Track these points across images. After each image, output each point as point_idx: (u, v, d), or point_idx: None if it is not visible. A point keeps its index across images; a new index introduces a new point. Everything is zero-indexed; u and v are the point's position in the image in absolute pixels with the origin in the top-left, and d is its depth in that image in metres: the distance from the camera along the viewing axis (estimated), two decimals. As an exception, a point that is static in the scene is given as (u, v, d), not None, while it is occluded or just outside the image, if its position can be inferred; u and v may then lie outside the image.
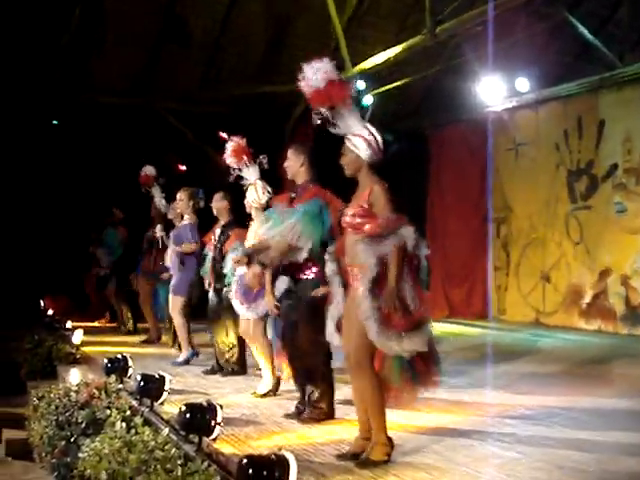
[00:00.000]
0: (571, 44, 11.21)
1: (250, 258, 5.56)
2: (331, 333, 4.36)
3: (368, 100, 11.47)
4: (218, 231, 7.15)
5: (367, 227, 4.02)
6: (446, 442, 4.54)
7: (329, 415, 5.08)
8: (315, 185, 5.20)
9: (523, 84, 10.76)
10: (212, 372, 7.09)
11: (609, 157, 10.10)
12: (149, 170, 9.24)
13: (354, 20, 11.05)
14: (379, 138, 4.20)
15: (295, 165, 5.25)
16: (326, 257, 4.53)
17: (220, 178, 6.76)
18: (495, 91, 10.75)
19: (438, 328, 10.77)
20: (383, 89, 11.53)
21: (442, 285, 12.47)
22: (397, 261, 3.94)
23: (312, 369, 5.09)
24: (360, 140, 4.16)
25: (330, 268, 4.44)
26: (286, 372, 5.64)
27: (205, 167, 12.19)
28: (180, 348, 7.98)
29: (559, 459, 4.16)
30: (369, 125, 4.22)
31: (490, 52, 9.78)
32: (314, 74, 4.25)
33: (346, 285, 4.27)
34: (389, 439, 4.12)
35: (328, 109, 4.22)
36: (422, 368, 4.05)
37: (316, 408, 5.07)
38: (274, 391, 6.03)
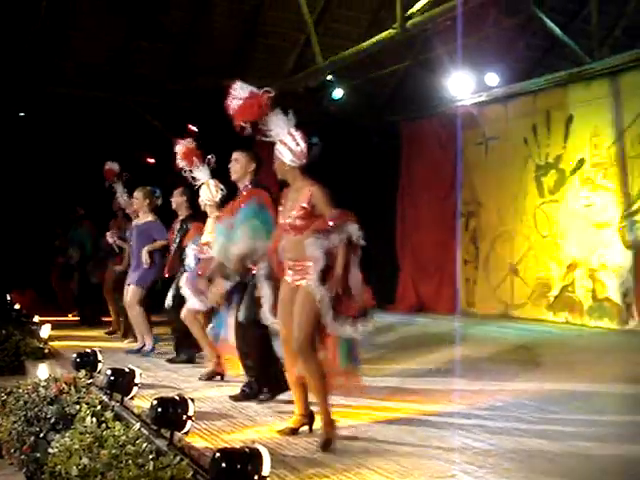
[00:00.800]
0: (540, 39, 11.33)
1: (211, 278, 5.82)
2: (265, 314, 4.70)
3: (338, 93, 11.49)
4: (177, 226, 7.50)
5: (315, 224, 4.25)
6: (417, 433, 4.57)
7: (284, 388, 5.21)
8: (252, 187, 5.45)
9: (492, 79, 10.85)
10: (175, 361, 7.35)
11: (577, 152, 10.22)
12: (112, 165, 9.28)
13: (325, 14, 11.03)
14: (302, 143, 4.42)
15: (244, 169, 5.49)
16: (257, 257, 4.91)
17: (181, 173, 6.80)
18: (465, 85, 10.83)
19: (408, 321, 10.92)
20: (354, 83, 11.53)
21: (412, 279, 12.55)
22: (344, 253, 4.17)
23: (258, 359, 5.45)
24: (283, 147, 4.43)
25: (261, 266, 4.76)
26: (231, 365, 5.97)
27: (174, 160, 12.09)
28: (134, 338, 8.41)
29: (530, 449, 4.21)
30: (294, 131, 4.43)
31: (460, 47, 9.84)
32: (231, 96, 4.66)
33: (275, 279, 4.60)
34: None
35: (255, 121, 4.53)
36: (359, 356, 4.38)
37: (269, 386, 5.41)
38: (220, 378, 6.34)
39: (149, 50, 11.04)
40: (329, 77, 10.98)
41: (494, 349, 8.19)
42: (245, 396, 5.52)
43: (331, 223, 4.20)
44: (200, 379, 6.37)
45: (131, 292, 8.00)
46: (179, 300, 7.03)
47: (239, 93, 4.66)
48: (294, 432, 4.51)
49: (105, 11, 10.30)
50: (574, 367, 7.07)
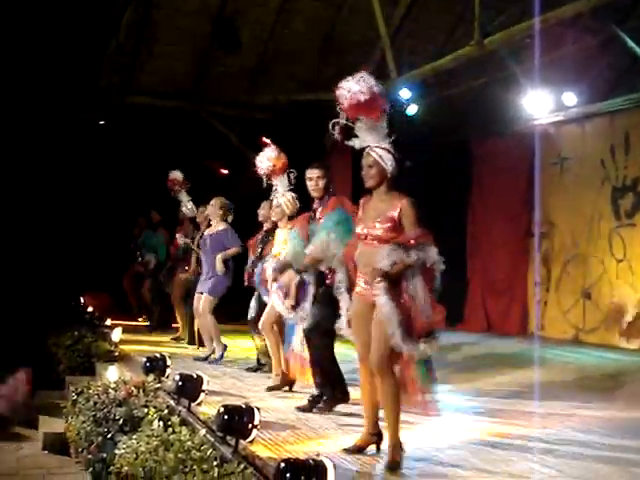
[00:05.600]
0: (620, 59, 11.04)
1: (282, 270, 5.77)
2: (343, 326, 4.60)
3: (412, 110, 11.43)
4: (260, 236, 7.52)
5: (396, 239, 4.14)
6: (482, 455, 4.50)
7: (345, 399, 5.54)
8: (332, 196, 5.53)
9: (570, 98, 10.64)
10: (253, 370, 7.45)
11: (656, 175, 9.95)
12: (175, 174, 9.46)
13: (401, 30, 11.02)
14: (397, 154, 4.35)
15: (323, 183, 5.53)
16: (334, 264, 4.78)
17: (260, 184, 6.82)
18: (541, 104, 10.64)
19: (477, 341, 10.75)
20: (428, 99, 11.48)
21: (481, 298, 12.37)
22: (417, 271, 4.06)
23: (326, 367, 5.52)
24: (385, 152, 4.31)
25: (340, 275, 4.62)
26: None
27: (247, 172, 12.26)
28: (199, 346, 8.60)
29: (598, 478, 4.10)
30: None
31: (537, 65, 9.68)
32: (359, 85, 4.32)
33: (351, 291, 4.50)
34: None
35: (355, 120, 4.37)
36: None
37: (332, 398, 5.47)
38: (288, 388, 6.39)
39: (226, 63, 11.21)
40: (403, 93, 10.94)
41: (564, 374, 8.00)
42: (311, 407, 5.54)
43: (412, 240, 4.09)
44: (267, 390, 6.38)
45: (204, 301, 8.02)
46: (261, 312, 6.99)
47: (368, 86, 4.33)
48: (361, 451, 4.42)
49: (185, 24, 10.54)
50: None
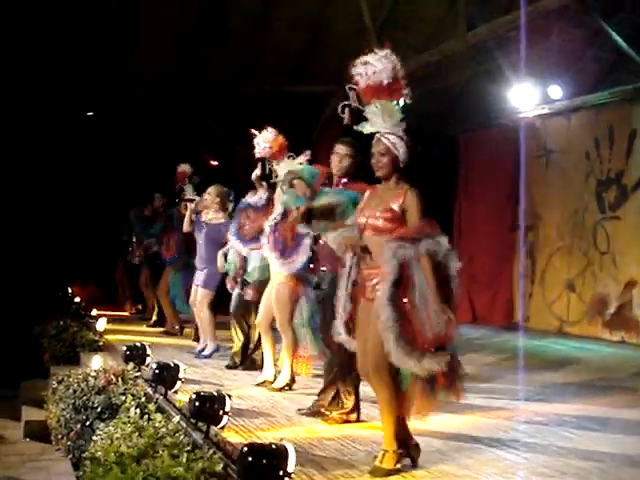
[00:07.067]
0: (606, 53, 11.10)
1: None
2: (340, 334, 4.15)
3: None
4: None
5: (400, 230, 3.84)
6: (451, 444, 4.56)
7: (354, 416, 4.97)
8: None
9: (556, 91, 10.69)
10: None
11: (639, 168, 10.00)
12: (184, 167, 9.30)
13: (388, 23, 11.04)
14: (410, 141, 4.03)
15: (348, 163, 5.18)
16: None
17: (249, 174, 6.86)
18: (527, 97, 10.68)
19: (461, 333, 10.76)
20: (415, 92, 11.50)
21: (467, 290, 12.43)
22: (430, 269, 3.67)
23: (341, 366, 4.94)
24: (399, 140, 4.00)
25: (347, 263, 4.15)
26: (303, 368, 5.86)
27: (234, 163, 12.35)
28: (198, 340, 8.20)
29: (563, 466, 4.17)
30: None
31: (523, 58, 9.73)
32: (382, 64, 3.99)
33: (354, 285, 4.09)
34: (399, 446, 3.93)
35: (368, 103, 4.02)
36: (444, 382, 3.74)
37: (343, 407, 4.97)
38: (290, 386, 6.05)
39: (213, 54, 11.23)
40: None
41: (545, 365, 8.09)
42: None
43: (416, 233, 3.75)
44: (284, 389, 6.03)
45: (200, 295, 7.83)
46: (244, 303, 6.99)
47: (391, 66, 4.01)
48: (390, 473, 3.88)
49: (171, 14, 10.55)
50: (625, 387, 6.92)
